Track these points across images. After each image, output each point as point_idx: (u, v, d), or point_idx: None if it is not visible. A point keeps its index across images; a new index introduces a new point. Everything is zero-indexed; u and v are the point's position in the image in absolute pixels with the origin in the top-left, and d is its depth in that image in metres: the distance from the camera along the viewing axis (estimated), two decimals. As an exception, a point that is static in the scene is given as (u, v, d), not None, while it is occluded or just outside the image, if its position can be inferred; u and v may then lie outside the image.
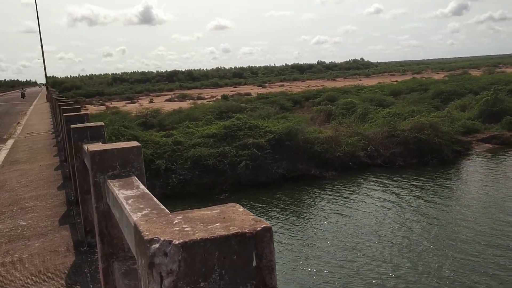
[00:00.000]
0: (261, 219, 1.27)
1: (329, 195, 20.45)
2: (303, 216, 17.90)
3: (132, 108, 50.96)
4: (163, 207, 2.04)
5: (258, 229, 1.21)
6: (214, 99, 62.23)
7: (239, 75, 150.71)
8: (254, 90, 76.79)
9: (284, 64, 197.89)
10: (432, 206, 17.84)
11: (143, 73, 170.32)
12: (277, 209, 18.97)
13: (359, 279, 12.15)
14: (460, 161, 25.64)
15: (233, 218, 1.29)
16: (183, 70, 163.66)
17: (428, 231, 15.31)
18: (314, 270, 12.93)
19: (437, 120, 27.47)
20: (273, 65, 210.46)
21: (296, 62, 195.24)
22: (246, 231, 1.20)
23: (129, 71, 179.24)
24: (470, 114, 33.59)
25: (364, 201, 19.07)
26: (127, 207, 2.08)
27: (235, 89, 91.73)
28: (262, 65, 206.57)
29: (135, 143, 2.95)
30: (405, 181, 21.80)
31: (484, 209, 17.12)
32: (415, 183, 21.39)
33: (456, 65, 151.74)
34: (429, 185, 20.95)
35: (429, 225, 15.84)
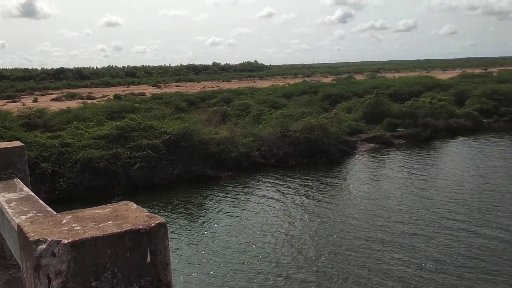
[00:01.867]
0: (156, 215, 1.26)
1: (224, 195, 20.66)
2: (198, 216, 17.89)
3: (13, 107, 47.09)
4: (50, 209, 1.94)
5: (152, 225, 1.21)
6: (106, 98, 59.74)
7: (132, 75, 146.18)
8: (148, 90, 75.04)
9: (179, 64, 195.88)
10: (320, 204, 18.84)
11: (26, 70, 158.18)
12: (173, 211, 18.74)
13: (245, 274, 12.46)
14: (346, 160, 27.36)
15: (126, 215, 1.27)
16: (71, 67, 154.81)
17: (315, 228, 16.14)
18: (210, 267, 13.00)
19: (325, 121, 29.02)
20: (168, 65, 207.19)
21: (191, 63, 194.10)
22: (140, 227, 1.19)
23: (10, 68, 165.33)
24: (355, 115, 35.97)
25: (257, 201, 19.58)
26: (9, 211, 1.93)
27: (128, 88, 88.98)
28: (156, 65, 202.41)
29: (18, 143, 2.75)
30: (296, 180, 22.75)
31: (366, 206, 18.45)
32: (305, 182, 22.41)
33: (342, 70, 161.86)
34: (318, 184, 22.08)
35: (316, 222, 16.69)
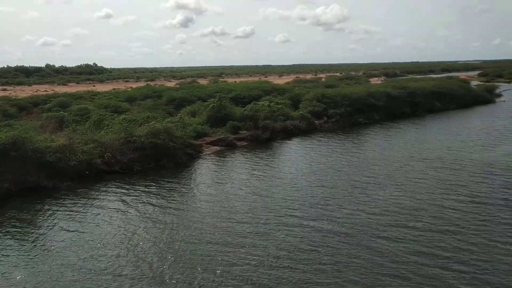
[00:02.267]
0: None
1: (62, 208, 19.28)
2: (31, 234, 16.37)
3: None
4: None
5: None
6: None
7: None
8: (-32, 94, 66.45)
9: (5, 66, 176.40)
10: (165, 211, 18.69)
11: None
12: (0, 230, 16.87)
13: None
14: (192, 163, 27.68)
15: None
16: None
17: (159, 235, 15.95)
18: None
19: (171, 126, 28.95)
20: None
21: (20, 64, 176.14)
22: None
23: None
24: (200, 119, 36.60)
25: (99, 212, 18.67)
26: None
27: None
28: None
29: None
30: (140, 187, 22.27)
31: (210, 209, 18.85)
32: (150, 189, 22.06)
33: (186, 74, 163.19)
34: (163, 190, 21.91)
35: (160, 229, 16.51)
